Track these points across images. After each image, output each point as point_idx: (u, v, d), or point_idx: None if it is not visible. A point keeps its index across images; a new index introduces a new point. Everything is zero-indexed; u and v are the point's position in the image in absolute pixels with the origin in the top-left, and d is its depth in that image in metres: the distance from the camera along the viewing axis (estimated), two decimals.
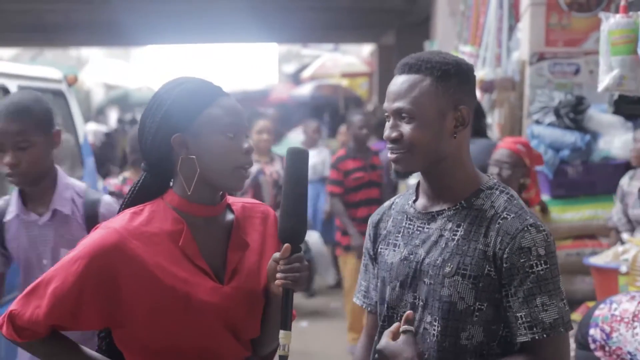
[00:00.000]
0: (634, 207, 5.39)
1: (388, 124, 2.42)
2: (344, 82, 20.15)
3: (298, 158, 2.42)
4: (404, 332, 2.38)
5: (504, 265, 2.31)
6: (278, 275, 2.39)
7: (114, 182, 6.36)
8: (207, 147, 2.40)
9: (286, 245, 2.39)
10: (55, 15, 14.11)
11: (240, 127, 2.44)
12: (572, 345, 4.55)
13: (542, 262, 2.30)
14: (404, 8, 13.63)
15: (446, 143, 2.38)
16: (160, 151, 2.44)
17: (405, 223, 2.51)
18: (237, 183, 2.44)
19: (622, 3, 3.84)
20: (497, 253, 2.32)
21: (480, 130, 5.43)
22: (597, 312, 3.73)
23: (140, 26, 14.63)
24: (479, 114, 4.82)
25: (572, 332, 4.52)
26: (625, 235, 5.16)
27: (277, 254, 2.42)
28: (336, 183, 7.68)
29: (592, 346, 3.71)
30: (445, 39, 9.70)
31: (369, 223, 2.66)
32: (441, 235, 2.40)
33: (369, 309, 2.66)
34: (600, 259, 4.98)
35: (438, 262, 2.38)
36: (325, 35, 19.30)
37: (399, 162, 2.40)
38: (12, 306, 2.45)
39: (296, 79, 23.58)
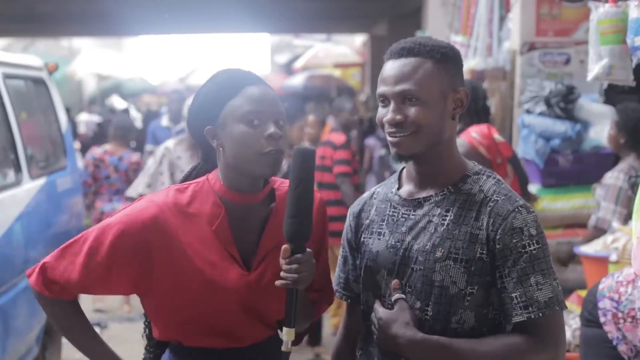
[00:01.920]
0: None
1: (387, 109, 2.41)
2: (337, 73, 20.13)
3: (303, 157, 2.44)
4: (396, 300, 2.40)
5: (497, 246, 2.33)
6: (281, 274, 2.42)
7: (97, 151, 8.42)
8: (230, 136, 2.48)
9: (284, 246, 2.41)
10: (46, 6, 14.07)
11: (264, 113, 2.48)
12: (573, 324, 4.59)
13: (534, 241, 2.33)
14: None
15: (447, 125, 2.42)
16: (203, 143, 2.57)
17: (390, 211, 2.51)
18: (266, 169, 2.48)
19: None
20: (489, 235, 2.34)
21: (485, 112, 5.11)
22: (601, 286, 3.79)
23: (132, 16, 14.60)
24: (484, 96, 4.55)
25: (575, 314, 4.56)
26: (614, 224, 5.18)
27: None
28: (347, 163, 7.46)
29: (603, 319, 3.75)
30: (437, 29, 9.68)
31: (349, 214, 2.66)
32: (430, 221, 2.41)
33: (349, 301, 2.65)
34: (591, 248, 4.99)
35: (428, 247, 2.39)
36: (318, 26, 19.30)
37: (401, 145, 2.40)
38: (47, 258, 2.52)
39: (288, 69, 23.55)
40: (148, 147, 11.21)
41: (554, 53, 6.16)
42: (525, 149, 5.95)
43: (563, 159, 5.87)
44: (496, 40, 6.74)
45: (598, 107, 5.91)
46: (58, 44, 24.20)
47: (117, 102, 22.25)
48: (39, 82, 6.48)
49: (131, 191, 5.56)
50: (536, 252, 2.33)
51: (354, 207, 2.65)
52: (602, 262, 4.75)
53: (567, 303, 5.14)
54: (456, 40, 7.44)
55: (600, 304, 3.80)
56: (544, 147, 5.82)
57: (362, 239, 2.57)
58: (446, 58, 2.40)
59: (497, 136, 4.36)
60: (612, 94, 6.07)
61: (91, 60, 21.00)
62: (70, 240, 2.51)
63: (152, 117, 18.74)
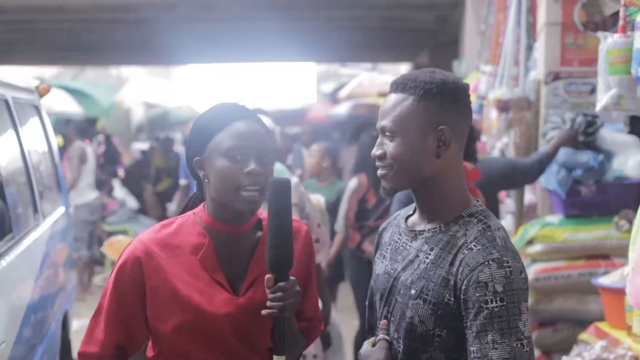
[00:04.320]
0: None
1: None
2: (381, 102, 20.10)
3: (279, 189, 2.49)
4: (379, 340, 2.45)
5: (462, 296, 2.30)
6: (267, 304, 2.49)
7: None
8: (212, 169, 2.55)
9: (267, 276, 2.49)
10: (91, 35, 14.30)
11: (247, 149, 2.54)
12: (586, 356, 4.56)
13: (498, 299, 2.25)
14: (436, 28, 13.63)
15: (429, 162, 2.39)
16: (195, 173, 2.65)
17: (396, 237, 2.54)
18: (243, 205, 2.54)
19: (621, 23, 3.85)
20: (457, 283, 2.31)
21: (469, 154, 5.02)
22: None
23: (178, 46, 14.77)
24: (471, 138, 4.61)
25: None
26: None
27: None
28: None
29: None
30: (472, 58, 9.69)
31: (378, 231, 2.72)
32: (417, 256, 2.43)
33: None
34: (608, 279, 4.94)
35: (408, 282, 2.41)
36: (362, 55, 19.33)
37: (384, 178, 2.44)
38: (81, 342, 2.65)
39: (334, 98, 23.63)
40: (182, 181, 11.25)
41: (578, 83, 6.11)
42: (548, 179, 5.91)
43: (586, 190, 5.81)
44: (523, 70, 6.71)
45: (621, 137, 5.87)
46: (107, 72, 24.51)
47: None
48: (29, 105, 5.70)
49: None
50: (498, 309, 2.24)
51: (382, 226, 2.71)
52: (619, 293, 4.70)
53: (585, 335, 5.08)
54: (485, 69, 7.42)
55: None
56: (566, 177, 5.77)
57: (375, 258, 2.63)
58: (429, 95, 2.36)
59: (467, 164, 4.41)
60: (637, 124, 6.02)
61: (139, 88, 21.21)
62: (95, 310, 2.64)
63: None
